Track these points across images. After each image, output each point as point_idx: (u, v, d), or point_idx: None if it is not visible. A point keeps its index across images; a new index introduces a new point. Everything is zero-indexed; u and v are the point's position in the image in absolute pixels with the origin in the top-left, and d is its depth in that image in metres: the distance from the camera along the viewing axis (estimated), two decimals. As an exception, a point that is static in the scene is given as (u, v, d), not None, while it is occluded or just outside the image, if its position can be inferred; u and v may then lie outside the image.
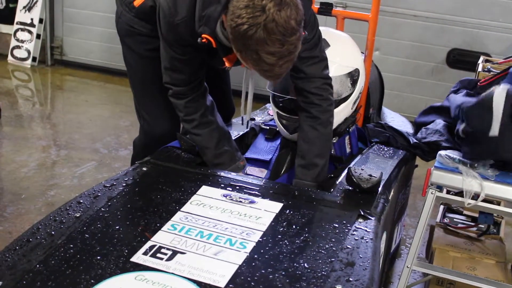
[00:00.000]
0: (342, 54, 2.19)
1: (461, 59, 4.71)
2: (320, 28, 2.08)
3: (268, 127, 2.38)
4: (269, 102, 2.49)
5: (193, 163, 2.06)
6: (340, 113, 2.20)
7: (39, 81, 5.56)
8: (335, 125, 2.19)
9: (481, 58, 2.88)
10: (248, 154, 2.29)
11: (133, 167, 1.97)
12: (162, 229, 1.60)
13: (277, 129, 2.29)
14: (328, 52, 2.09)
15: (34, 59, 5.71)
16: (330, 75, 2.08)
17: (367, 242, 1.60)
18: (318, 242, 1.58)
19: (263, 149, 2.28)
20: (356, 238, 1.61)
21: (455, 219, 2.74)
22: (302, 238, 1.59)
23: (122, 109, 4.70)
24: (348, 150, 2.28)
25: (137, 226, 1.61)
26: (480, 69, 2.68)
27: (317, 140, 2.04)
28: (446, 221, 2.72)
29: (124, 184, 1.83)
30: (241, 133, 2.41)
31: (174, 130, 2.31)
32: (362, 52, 2.60)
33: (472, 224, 2.68)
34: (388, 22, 4.68)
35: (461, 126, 2.07)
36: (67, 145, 3.97)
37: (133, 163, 2.51)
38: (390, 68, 4.80)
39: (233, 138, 2.34)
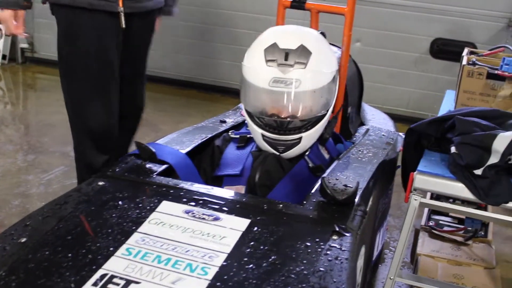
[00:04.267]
0: (325, 60, 1.97)
1: (445, 49, 4.57)
2: (291, 26, 1.90)
3: (238, 136, 2.18)
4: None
5: (154, 173, 1.88)
6: (326, 121, 2.04)
7: (10, 80, 5.36)
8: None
9: (466, 50, 2.72)
10: (218, 172, 2.06)
11: (87, 182, 1.79)
12: (115, 254, 1.44)
13: (249, 136, 2.12)
14: (312, 61, 1.90)
15: (3, 57, 5.50)
16: (320, 86, 1.92)
17: (341, 263, 1.45)
18: (287, 265, 1.43)
19: (234, 160, 2.08)
20: (330, 258, 1.46)
21: (440, 222, 2.61)
22: (270, 260, 1.44)
23: (95, 109, 4.51)
24: (326, 156, 2.10)
25: (87, 252, 1.45)
26: (464, 62, 2.52)
27: None
28: (431, 223, 2.58)
29: (77, 202, 1.67)
30: (209, 135, 2.22)
31: (110, 121, 2.18)
32: (338, 47, 2.44)
33: (459, 227, 2.55)
34: (368, 11, 4.53)
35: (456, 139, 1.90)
36: (35, 149, 3.79)
37: (79, 167, 2.37)
38: (372, 59, 4.66)
39: (202, 140, 2.15)
